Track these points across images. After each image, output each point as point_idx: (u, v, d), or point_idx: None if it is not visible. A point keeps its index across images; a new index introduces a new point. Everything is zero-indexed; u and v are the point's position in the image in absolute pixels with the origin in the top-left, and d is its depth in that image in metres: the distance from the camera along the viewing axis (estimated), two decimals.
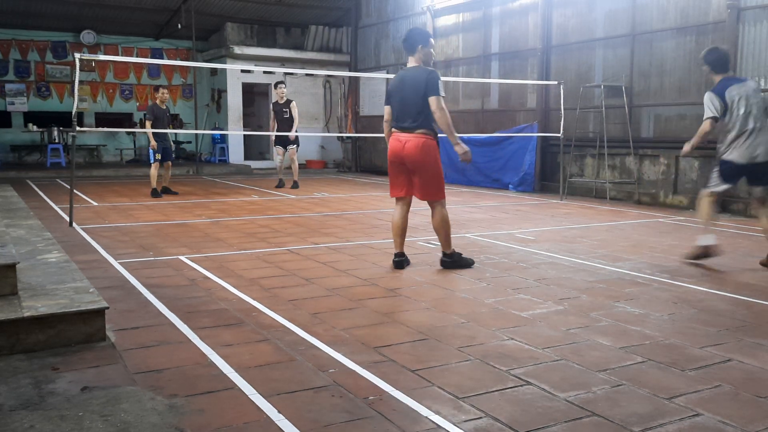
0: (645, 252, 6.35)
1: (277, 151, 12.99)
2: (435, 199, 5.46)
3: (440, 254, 5.60)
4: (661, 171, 10.47)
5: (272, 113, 12.55)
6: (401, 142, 5.35)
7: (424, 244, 6.65)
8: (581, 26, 11.86)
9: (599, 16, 11.61)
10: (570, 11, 12.05)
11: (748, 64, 9.27)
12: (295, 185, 12.84)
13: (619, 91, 10.88)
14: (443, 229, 5.46)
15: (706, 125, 5.52)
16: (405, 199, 5.55)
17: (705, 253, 5.68)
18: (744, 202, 9.34)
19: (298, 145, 12.84)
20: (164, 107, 11.44)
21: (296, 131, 12.55)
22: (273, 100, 12.81)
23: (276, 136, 12.43)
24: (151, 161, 11.23)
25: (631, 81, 10.90)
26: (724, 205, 9.54)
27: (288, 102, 12.56)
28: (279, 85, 12.64)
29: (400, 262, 5.51)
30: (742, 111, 5.41)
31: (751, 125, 5.40)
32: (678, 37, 10.22)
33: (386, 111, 5.55)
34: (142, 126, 18.50)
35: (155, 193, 11.12)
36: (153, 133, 10.95)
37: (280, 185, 12.69)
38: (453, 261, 5.51)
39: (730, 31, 9.34)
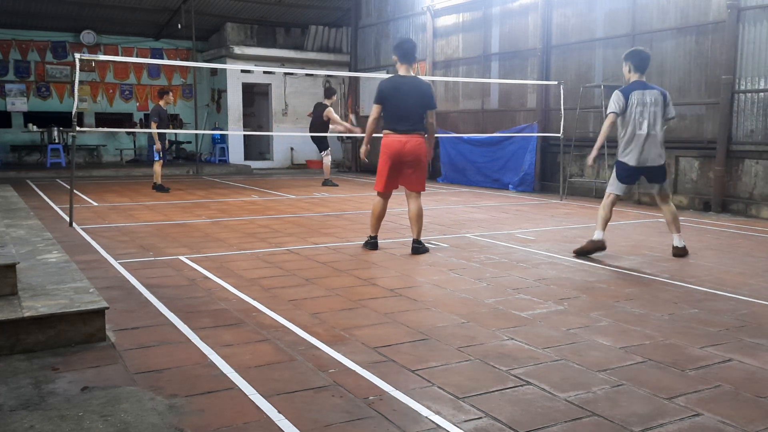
0: (645, 252, 6.35)
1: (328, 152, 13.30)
2: (423, 189, 6.17)
3: (414, 244, 6.12)
4: None
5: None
6: (402, 142, 5.96)
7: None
8: (581, 26, 11.86)
9: (599, 16, 11.61)
10: (570, 11, 12.05)
11: (748, 64, 9.27)
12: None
13: None
14: (422, 218, 6.14)
15: (609, 119, 5.95)
16: (390, 193, 6.24)
17: (596, 247, 6.02)
18: (744, 202, 9.34)
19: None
20: (166, 108, 11.99)
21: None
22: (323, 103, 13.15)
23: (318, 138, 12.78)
24: (156, 159, 11.76)
25: None
26: (724, 205, 9.56)
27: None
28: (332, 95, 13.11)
29: (376, 243, 6.27)
30: (637, 116, 5.81)
31: (644, 130, 5.81)
32: (678, 37, 10.22)
33: (376, 110, 6.09)
34: (142, 126, 18.59)
35: (161, 188, 11.64)
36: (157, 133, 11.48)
37: (333, 184, 13.07)
38: (423, 246, 6.14)
39: (730, 31, 9.34)
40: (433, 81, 15.06)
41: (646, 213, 9.46)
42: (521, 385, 3.00)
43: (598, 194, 11.43)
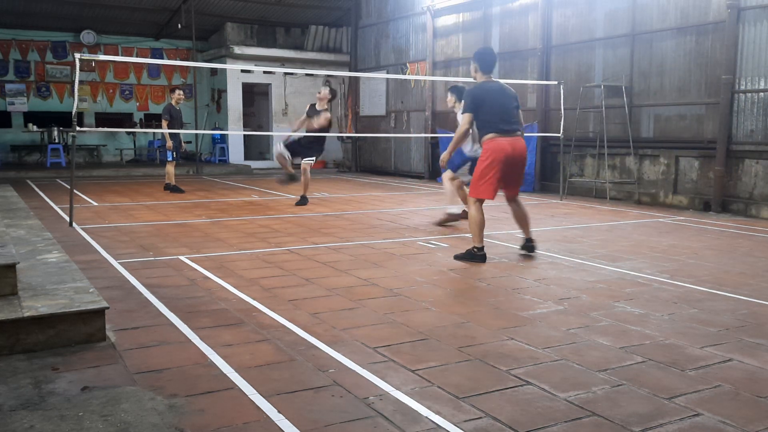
0: (645, 252, 6.35)
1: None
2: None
3: (528, 243, 6.10)
4: (661, 171, 10.47)
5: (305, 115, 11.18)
6: (511, 145, 5.84)
7: (423, 243, 6.65)
8: (581, 26, 11.86)
9: (599, 16, 11.60)
10: (570, 11, 12.05)
11: (748, 64, 9.26)
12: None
13: (619, 91, 10.88)
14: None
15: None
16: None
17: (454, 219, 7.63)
18: (744, 202, 9.34)
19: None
20: (178, 107, 11.69)
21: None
22: (311, 103, 11.28)
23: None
24: (169, 159, 11.57)
25: (631, 81, 10.89)
26: (724, 205, 9.55)
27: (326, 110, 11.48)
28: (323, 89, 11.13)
29: (485, 254, 5.86)
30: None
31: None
32: (678, 37, 10.22)
33: (469, 118, 5.90)
34: (142, 126, 18.59)
35: (175, 189, 11.46)
36: (169, 133, 11.22)
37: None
38: (535, 244, 6.14)
39: (730, 31, 9.34)
40: (433, 81, 15.08)
41: (646, 213, 9.46)
42: (521, 385, 3.00)
43: (598, 194, 11.44)
